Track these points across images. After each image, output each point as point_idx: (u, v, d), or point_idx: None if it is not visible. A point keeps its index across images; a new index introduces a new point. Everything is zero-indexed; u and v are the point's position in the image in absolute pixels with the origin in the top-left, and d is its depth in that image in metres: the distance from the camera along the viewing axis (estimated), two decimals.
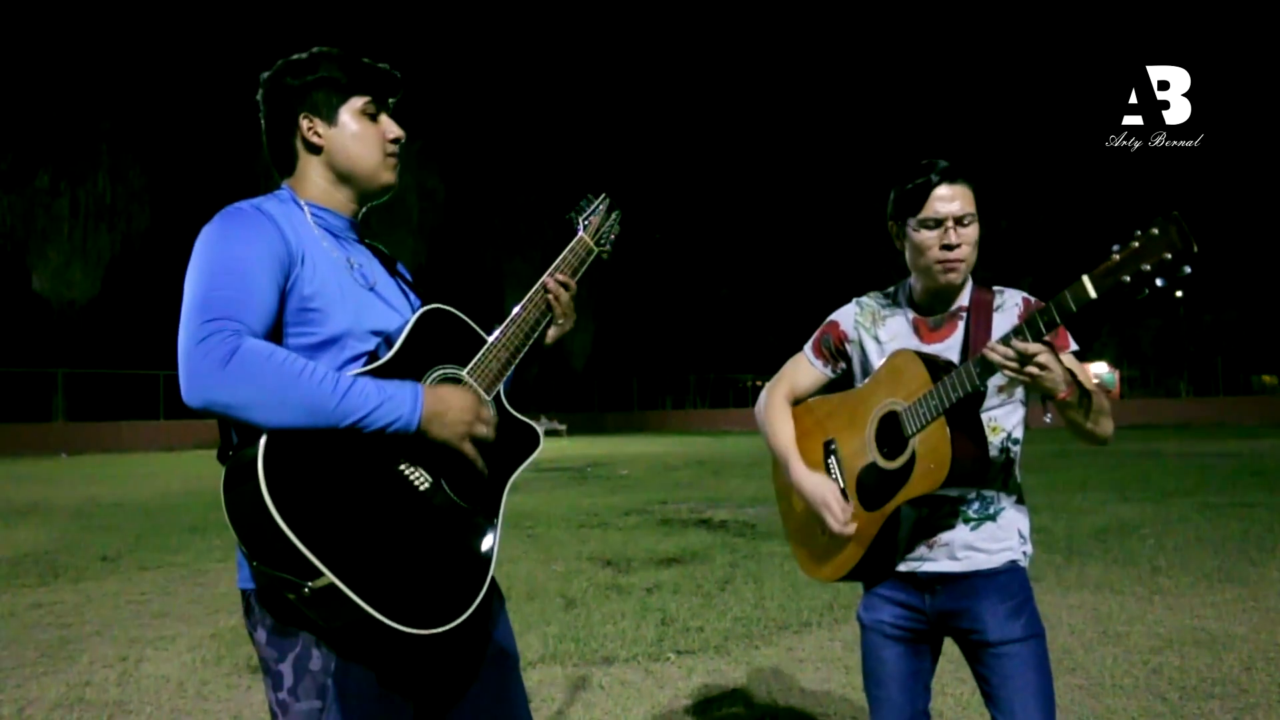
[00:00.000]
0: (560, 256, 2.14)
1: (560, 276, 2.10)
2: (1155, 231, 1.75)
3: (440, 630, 1.73)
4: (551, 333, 2.13)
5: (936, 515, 2.23)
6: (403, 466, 1.76)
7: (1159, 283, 1.75)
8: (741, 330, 60.12)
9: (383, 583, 1.66)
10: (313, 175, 1.96)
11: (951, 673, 4.16)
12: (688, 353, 59.58)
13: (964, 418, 2.09)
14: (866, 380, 2.33)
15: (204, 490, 14.60)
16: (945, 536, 2.23)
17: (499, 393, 1.99)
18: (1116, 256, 1.78)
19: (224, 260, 1.74)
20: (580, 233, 2.19)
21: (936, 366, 2.13)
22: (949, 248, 2.17)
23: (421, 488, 1.78)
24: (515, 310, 2.04)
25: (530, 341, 2.04)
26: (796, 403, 2.51)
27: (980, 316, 2.21)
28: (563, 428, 39.40)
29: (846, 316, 2.45)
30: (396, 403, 1.71)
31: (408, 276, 2.15)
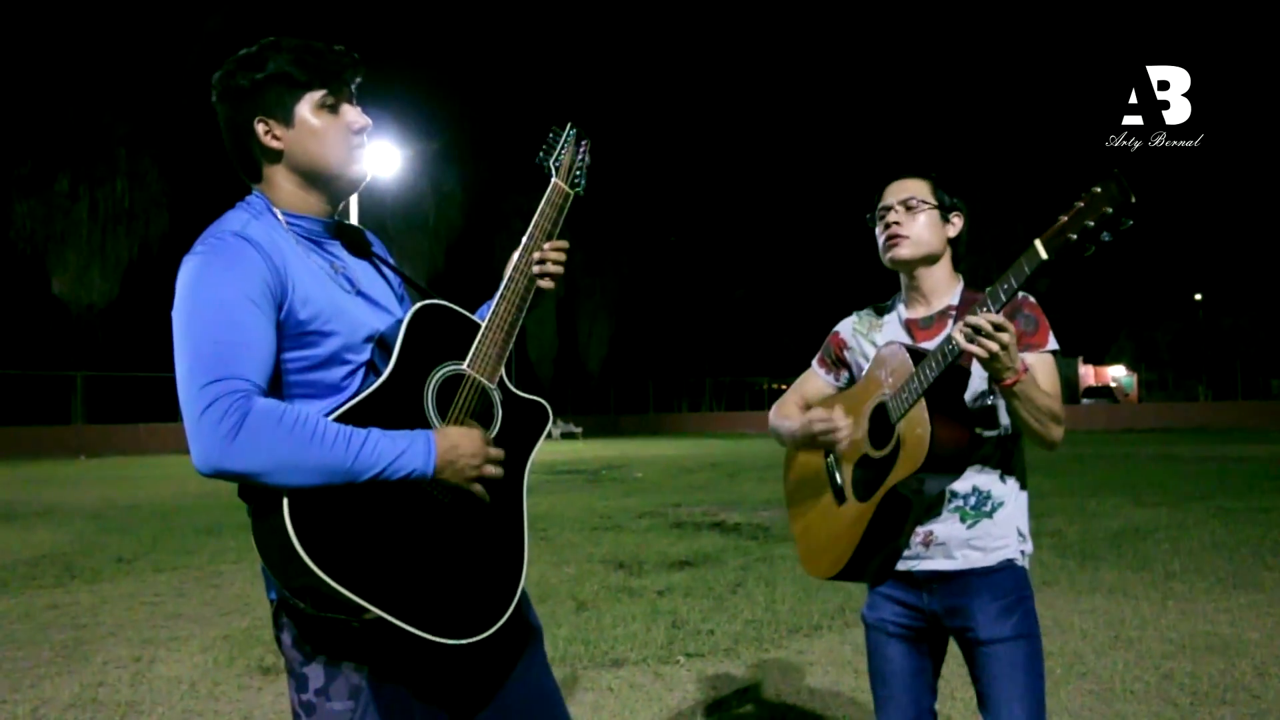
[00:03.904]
0: (538, 212, 2.01)
1: (539, 253, 1.98)
2: (1098, 190, 1.86)
3: (485, 635, 1.76)
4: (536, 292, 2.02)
5: (932, 511, 2.24)
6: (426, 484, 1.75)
7: (1104, 236, 1.86)
8: (757, 333, 59.99)
9: (424, 603, 1.69)
10: (280, 181, 1.84)
11: (962, 676, 4.13)
12: (704, 355, 59.46)
13: (943, 398, 2.12)
14: (861, 379, 2.39)
15: (219, 492, 14.63)
16: (941, 534, 2.24)
17: (502, 376, 1.92)
18: (1064, 219, 1.90)
19: (215, 306, 1.64)
20: (553, 178, 2.03)
21: (920, 355, 2.17)
22: (889, 224, 2.32)
23: (445, 499, 1.77)
24: (502, 286, 1.95)
25: (524, 312, 1.96)
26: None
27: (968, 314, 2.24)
28: (579, 430, 39.41)
29: (845, 326, 2.54)
30: (411, 455, 1.68)
31: (387, 258, 2.06)
